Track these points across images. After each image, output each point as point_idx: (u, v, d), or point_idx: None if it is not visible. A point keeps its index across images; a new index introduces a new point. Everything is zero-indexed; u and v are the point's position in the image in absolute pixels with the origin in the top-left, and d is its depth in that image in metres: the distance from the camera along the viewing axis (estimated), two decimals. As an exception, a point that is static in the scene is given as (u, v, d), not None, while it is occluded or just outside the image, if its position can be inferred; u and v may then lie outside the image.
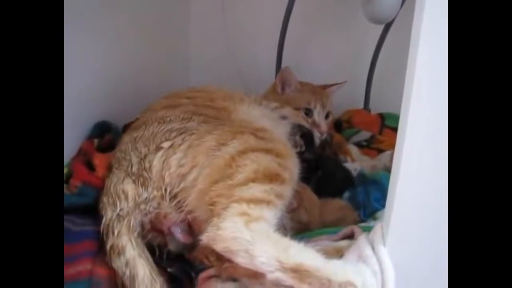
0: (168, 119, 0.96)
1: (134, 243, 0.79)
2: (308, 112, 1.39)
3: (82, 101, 1.09)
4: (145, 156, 0.88)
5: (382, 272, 0.63)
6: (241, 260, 0.69)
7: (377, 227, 0.69)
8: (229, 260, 0.77)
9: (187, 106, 1.01)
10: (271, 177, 0.82)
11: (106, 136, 1.13)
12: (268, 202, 0.78)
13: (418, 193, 0.63)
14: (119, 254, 0.78)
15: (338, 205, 1.08)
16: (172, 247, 0.87)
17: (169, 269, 0.84)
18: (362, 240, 0.70)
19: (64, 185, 0.95)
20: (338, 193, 1.15)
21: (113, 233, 0.80)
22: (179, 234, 0.85)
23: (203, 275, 0.84)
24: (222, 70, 1.74)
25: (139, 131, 0.95)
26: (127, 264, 0.77)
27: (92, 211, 0.90)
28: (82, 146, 1.08)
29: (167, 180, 0.85)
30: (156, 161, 0.86)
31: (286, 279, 0.65)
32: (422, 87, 0.59)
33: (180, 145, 0.87)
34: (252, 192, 0.78)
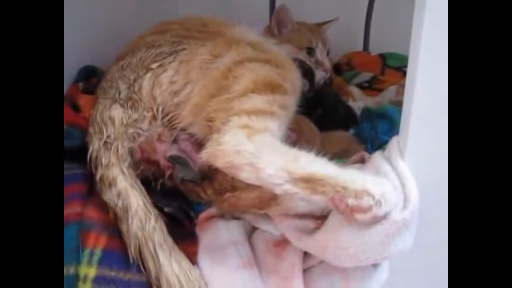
0: (157, 43, 0.88)
1: (126, 173, 0.73)
2: (310, 52, 1.33)
3: (67, 46, 1.01)
4: (134, 80, 0.82)
5: (403, 186, 0.57)
6: (245, 175, 0.62)
7: (393, 142, 0.63)
8: (230, 190, 0.72)
9: (177, 31, 0.94)
10: (272, 87, 0.76)
11: (92, 80, 1.06)
12: (271, 113, 0.72)
13: (438, 99, 0.56)
14: (110, 185, 0.72)
15: (342, 136, 1.02)
16: (184, 173, 0.81)
17: (166, 209, 0.77)
18: (377, 157, 0.64)
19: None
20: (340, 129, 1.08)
21: (101, 163, 0.74)
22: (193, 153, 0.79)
23: (203, 215, 0.79)
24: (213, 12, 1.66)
25: (126, 59, 0.88)
26: (119, 195, 0.71)
27: (81, 154, 0.83)
28: (67, 91, 1.01)
29: (158, 99, 0.79)
30: (146, 82, 0.80)
31: (297, 190, 0.58)
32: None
33: (170, 62, 0.81)
34: (253, 103, 0.72)
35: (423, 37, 0.55)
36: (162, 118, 0.79)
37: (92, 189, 0.78)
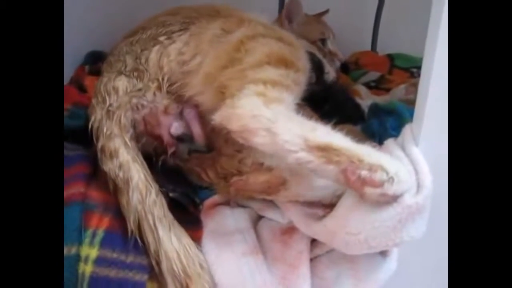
0: (168, 23, 0.86)
1: (128, 144, 0.72)
2: (324, 43, 1.35)
3: (74, 31, 1.01)
4: (141, 51, 0.80)
5: (417, 172, 0.56)
6: (260, 140, 0.60)
7: (406, 129, 0.62)
8: (237, 174, 0.71)
9: (189, 13, 0.91)
10: (286, 63, 0.74)
11: (98, 64, 1.04)
12: (286, 86, 0.70)
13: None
14: (111, 156, 0.71)
15: (351, 130, 1.00)
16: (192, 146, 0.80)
17: (171, 194, 0.75)
18: (390, 144, 0.63)
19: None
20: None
21: (103, 134, 0.72)
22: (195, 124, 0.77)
23: (208, 202, 0.78)
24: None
25: (135, 35, 0.86)
26: (120, 167, 0.70)
27: (85, 135, 0.81)
28: (73, 74, 1.01)
29: (165, 69, 0.77)
30: (153, 54, 0.79)
31: (312, 159, 0.57)
32: None
33: (180, 35, 0.79)
34: (268, 74, 0.70)
35: (442, 24, 0.54)
36: (169, 87, 0.77)
37: (96, 170, 0.76)
